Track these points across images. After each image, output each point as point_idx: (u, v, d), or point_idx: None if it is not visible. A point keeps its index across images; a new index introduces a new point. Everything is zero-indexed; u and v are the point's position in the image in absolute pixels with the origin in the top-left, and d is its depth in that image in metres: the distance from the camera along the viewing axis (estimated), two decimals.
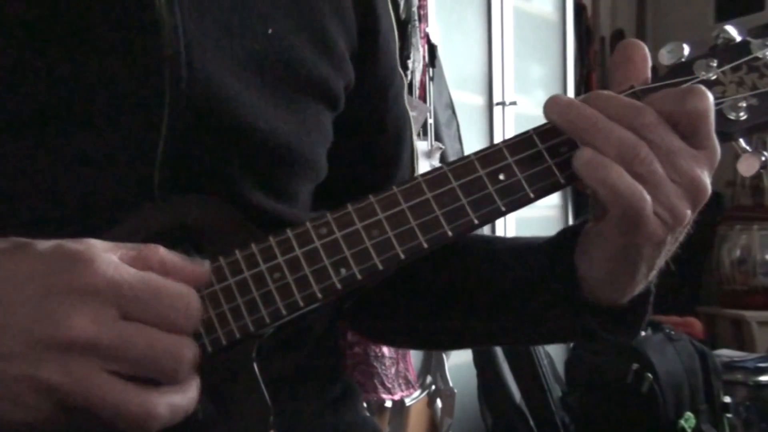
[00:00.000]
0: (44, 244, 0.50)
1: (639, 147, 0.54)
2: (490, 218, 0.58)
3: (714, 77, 0.60)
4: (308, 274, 0.57)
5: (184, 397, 0.51)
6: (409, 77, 1.98)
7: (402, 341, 0.93)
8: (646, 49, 0.60)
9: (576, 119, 0.56)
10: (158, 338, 0.49)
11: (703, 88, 0.56)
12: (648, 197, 0.54)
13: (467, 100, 2.57)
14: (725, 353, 2.76)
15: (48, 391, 0.47)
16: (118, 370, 0.48)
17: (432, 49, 2.12)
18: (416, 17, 2.00)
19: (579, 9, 3.54)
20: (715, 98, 0.58)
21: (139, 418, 0.48)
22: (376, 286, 0.78)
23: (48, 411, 0.48)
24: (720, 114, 0.59)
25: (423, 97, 2.11)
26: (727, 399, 2.27)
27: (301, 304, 0.56)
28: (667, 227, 0.56)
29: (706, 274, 3.67)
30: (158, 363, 0.49)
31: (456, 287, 0.75)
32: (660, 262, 0.61)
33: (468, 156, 0.59)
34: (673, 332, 2.30)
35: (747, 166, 0.61)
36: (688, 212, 0.56)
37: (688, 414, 2.15)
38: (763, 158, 0.60)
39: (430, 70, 2.12)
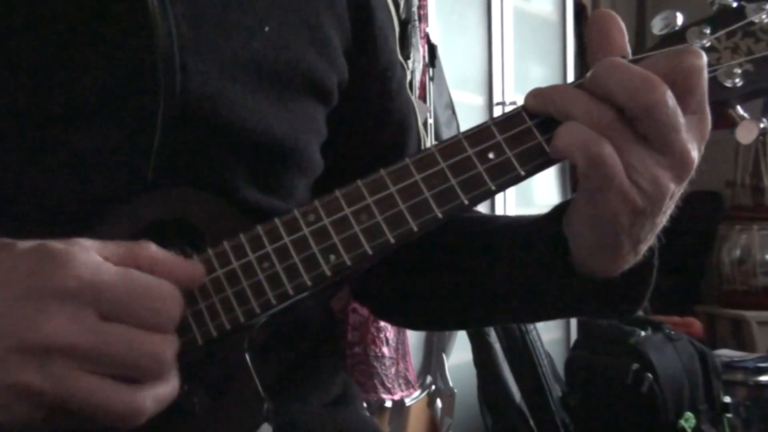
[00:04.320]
0: (25, 245, 0.50)
1: (602, 114, 0.53)
2: (481, 198, 0.56)
3: (708, 44, 0.58)
4: (297, 263, 0.56)
5: (167, 386, 0.51)
6: (409, 77, 1.98)
7: (408, 320, 0.91)
8: (621, 22, 0.58)
9: (552, 96, 0.55)
10: (138, 340, 0.49)
11: (698, 49, 0.55)
12: (606, 145, 0.53)
13: (467, 100, 2.57)
14: (725, 353, 2.76)
15: (30, 395, 0.47)
16: (100, 371, 0.48)
17: (432, 49, 2.12)
18: (416, 17, 2.00)
19: (579, 9, 3.53)
20: (710, 65, 0.57)
21: (127, 415, 0.49)
22: (382, 267, 0.77)
23: (33, 414, 0.48)
24: (715, 81, 0.58)
25: (423, 97, 2.10)
26: (727, 399, 2.27)
27: (291, 293, 0.56)
28: (646, 197, 0.54)
29: (706, 274, 3.67)
30: (138, 364, 0.49)
31: (458, 265, 0.75)
32: (647, 236, 0.59)
33: (456, 136, 0.57)
34: (673, 332, 2.30)
35: (746, 133, 0.59)
36: (671, 184, 0.55)
37: (688, 414, 2.15)
38: (762, 125, 0.59)
39: (430, 70, 2.12)
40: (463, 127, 2.35)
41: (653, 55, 0.57)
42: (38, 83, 0.60)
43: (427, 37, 2.09)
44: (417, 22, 2.01)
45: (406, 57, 1.95)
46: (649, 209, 0.55)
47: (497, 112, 2.71)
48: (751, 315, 3.30)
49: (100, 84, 0.61)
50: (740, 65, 0.58)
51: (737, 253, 3.44)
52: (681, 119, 0.53)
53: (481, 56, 2.67)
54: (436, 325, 0.91)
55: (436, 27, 2.28)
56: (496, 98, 2.71)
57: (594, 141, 0.53)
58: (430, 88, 2.13)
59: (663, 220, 0.58)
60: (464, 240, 0.75)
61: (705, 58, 0.54)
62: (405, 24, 1.95)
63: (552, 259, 0.63)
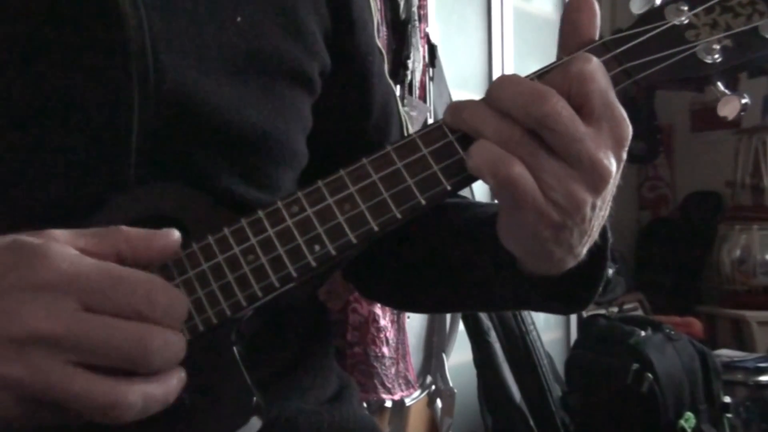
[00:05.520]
0: (0, 241, 0.50)
1: (508, 131, 0.52)
2: (463, 184, 0.56)
3: (686, 21, 0.58)
4: (282, 254, 0.56)
5: (160, 386, 0.50)
6: (409, 77, 1.98)
7: (385, 300, 0.95)
8: (596, 9, 0.58)
9: (464, 116, 0.55)
10: (119, 326, 0.48)
11: (588, 53, 0.54)
12: (515, 165, 0.52)
13: None
14: (725, 353, 2.76)
15: (12, 387, 0.47)
16: (82, 361, 0.48)
17: (432, 49, 2.12)
18: (416, 17, 2.00)
19: None
20: (689, 42, 0.57)
21: (107, 408, 0.48)
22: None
23: (15, 406, 0.48)
24: (694, 58, 0.57)
25: (423, 97, 2.10)
26: (727, 399, 2.27)
27: (277, 285, 0.56)
28: (562, 211, 0.53)
29: (706, 274, 3.67)
30: (121, 351, 0.48)
31: (419, 255, 0.76)
32: (580, 241, 0.57)
33: (437, 122, 0.57)
34: (673, 332, 2.30)
35: (728, 109, 0.58)
36: (587, 196, 0.53)
37: (688, 414, 2.15)
38: (744, 100, 0.59)
39: (430, 70, 2.12)
40: None
41: (632, 34, 0.57)
42: (7, 82, 0.59)
43: (427, 37, 2.09)
44: (417, 22, 2.01)
45: (406, 57, 1.95)
46: (569, 222, 0.54)
47: None
48: (751, 315, 3.30)
49: (71, 80, 0.60)
50: (719, 41, 0.57)
51: (737, 253, 3.43)
52: (580, 128, 0.52)
53: (481, 56, 2.67)
54: (402, 303, 0.93)
55: (436, 27, 2.28)
56: None
57: (503, 161, 0.52)
58: (430, 88, 2.13)
59: (596, 224, 0.57)
60: (433, 224, 0.75)
61: (595, 62, 0.53)
62: (405, 24, 1.95)
63: (498, 256, 0.63)
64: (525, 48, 2.88)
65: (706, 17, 0.58)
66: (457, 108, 0.56)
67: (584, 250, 0.59)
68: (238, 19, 0.67)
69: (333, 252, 0.56)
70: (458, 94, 2.42)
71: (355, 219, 0.56)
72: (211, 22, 0.65)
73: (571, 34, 0.58)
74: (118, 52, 0.60)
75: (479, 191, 1.82)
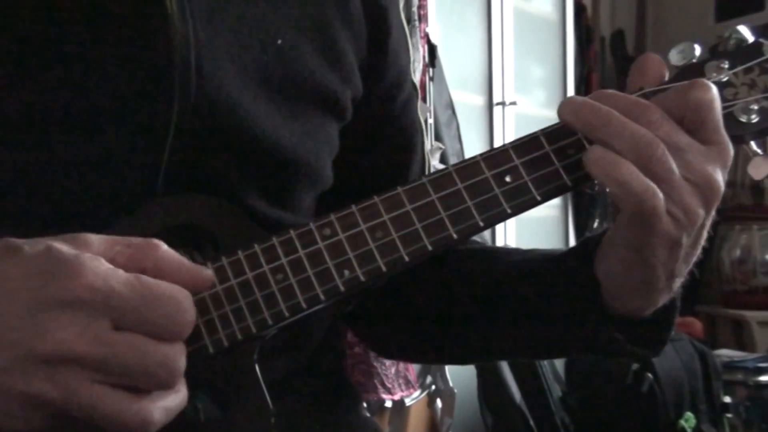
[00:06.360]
0: (34, 248, 0.49)
1: (655, 144, 0.54)
2: (496, 221, 0.57)
3: (725, 79, 0.59)
4: (311, 276, 0.56)
5: (176, 397, 0.50)
6: None
7: (404, 352, 0.88)
8: (660, 60, 0.60)
9: (590, 117, 0.56)
10: (151, 350, 0.48)
11: (706, 80, 0.56)
12: (660, 194, 0.54)
13: (467, 100, 2.57)
14: (725, 353, 2.77)
15: (40, 405, 0.47)
16: (110, 382, 0.48)
17: (432, 49, 2.12)
18: (416, 17, 2.00)
19: (579, 9, 3.53)
20: (727, 100, 0.58)
21: (135, 426, 0.48)
22: (382, 291, 0.77)
23: (42, 424, 0.47)
24: (731, 116, 0.58)
25: (423, 97, 2.10)
26: (727, 399, 2.27)
27: (304, 306, 0.56)
28: (680, 227, 0.55)
29: (706, 274, 3.66)
30: (151, 375, 0.48)
31: (471, 299, 0.73)
32: (681, 269, 0.59)
33: (474, 157, 0.58)
34: (673, 332, 2.30)
35: (758, 170, 0.60)
36: (701, 211, 0.56)
37: (688, 414, 2.15)
38: None
39: (430, 70, 2.12)
40: (463, 127, 2.36)
41: (671, 87, 0.58)
42: (53, 84, 0.59)
43: (427, 37, 2.09)
44: (417, 22, 2.01)
45: None
46: (684, 239, 0.57)
47: (497, 112, 2.72)
48: (751, 315, 3.30)
49: (115, 85, 0.60)
50: (757, 101, 0.58)
51: (737, 253, 3.43)
52: (683, 138, 0.55)
53: (481, 56, 2.67)
54: (436, 357, 0.91)
55: (436, 27, 2.28)
56: (496, 98, 2.71)
57: (650, 193, 0.54)
58: (430, 88, 2.13)
59: (695, 251, 0.60)
60: (482, 272, 0.73)
61: (713, 90, 0.55)
62: None
63: (585, 305, 0.63)
64: (525, 48, 2.88)
65: (744, 77, 0.59)
66: (582, 109, 0.56)
67: (678, 283, 0.61)
68: (279, 41, 0.67)
69: (362, 278, 0.56)
70: (458, 94, 2.42)
71: (386, 247, 0.56)
72: (253, 42, 0.66)
73: (639, 75, 0.60)
74: (164, 64, 0.61)
75: None
